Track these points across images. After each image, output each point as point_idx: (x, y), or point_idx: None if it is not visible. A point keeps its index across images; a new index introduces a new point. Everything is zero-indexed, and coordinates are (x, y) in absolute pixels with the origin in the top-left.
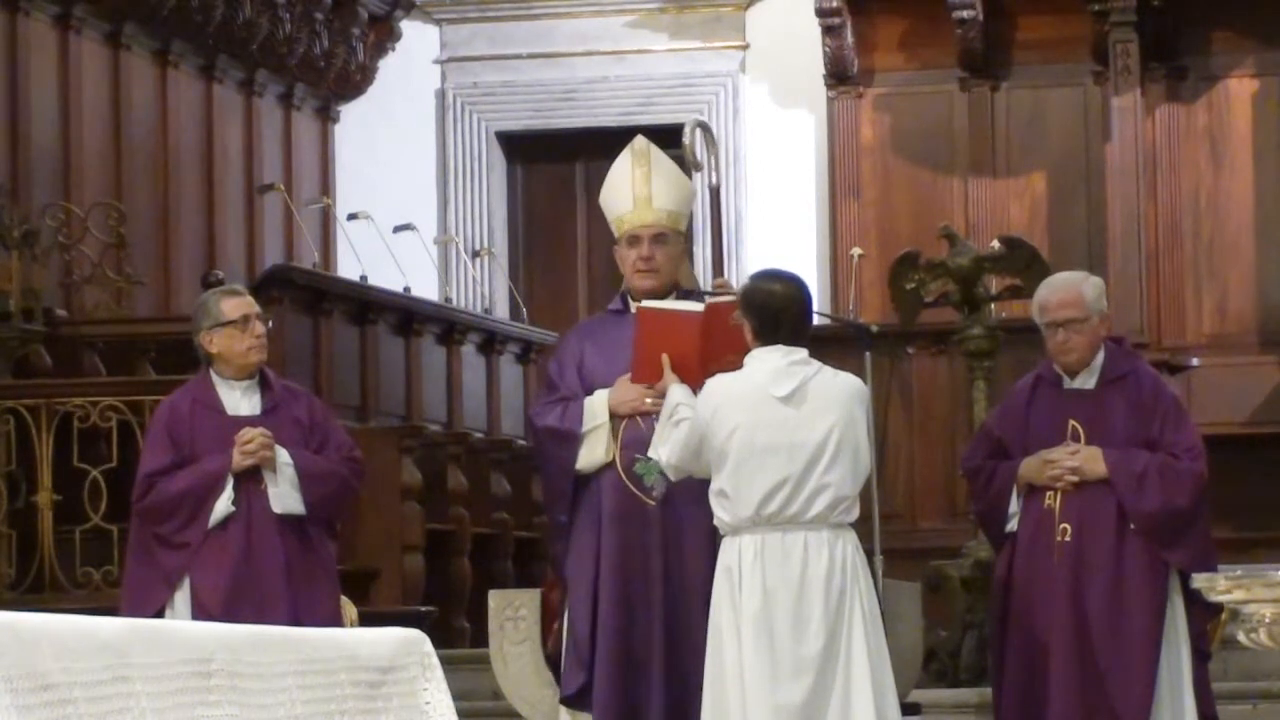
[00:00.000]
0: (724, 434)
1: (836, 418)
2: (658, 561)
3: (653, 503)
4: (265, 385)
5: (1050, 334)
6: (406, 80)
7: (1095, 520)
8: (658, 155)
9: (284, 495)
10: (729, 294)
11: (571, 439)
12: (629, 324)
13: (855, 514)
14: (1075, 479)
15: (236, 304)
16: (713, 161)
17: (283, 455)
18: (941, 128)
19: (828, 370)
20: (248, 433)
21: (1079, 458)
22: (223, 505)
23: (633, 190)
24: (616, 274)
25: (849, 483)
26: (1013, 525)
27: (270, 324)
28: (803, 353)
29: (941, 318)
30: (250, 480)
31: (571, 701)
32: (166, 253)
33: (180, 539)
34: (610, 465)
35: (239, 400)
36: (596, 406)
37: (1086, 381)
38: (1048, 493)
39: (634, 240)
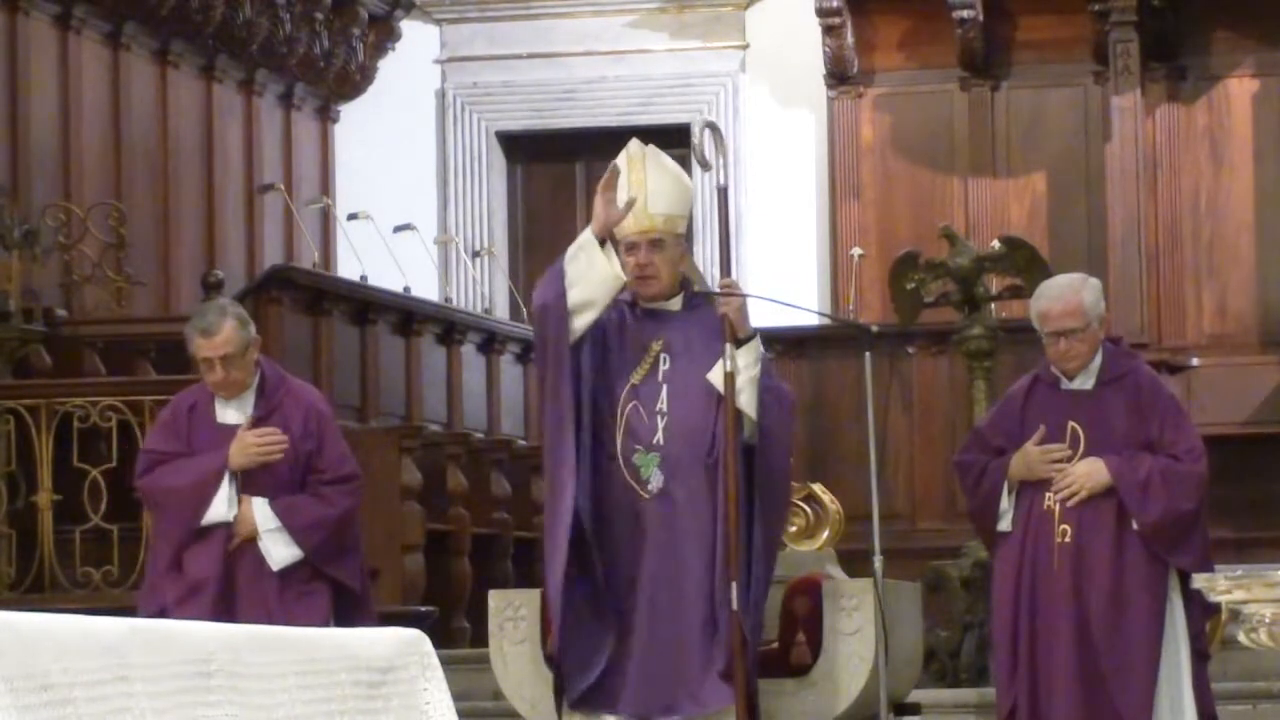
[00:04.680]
0: None
1: None
2: (651, 557)
3: (647, 496)
4: (262, 391)
5: (1051, 342)
6: (406, 80)
7: (1095, 521)
8: (654, 160)
9: (278, 556)
10: (736, 294)
11: (558, 275)
12: (637, 316)
13: None
14: (1085, 495)
15: (199, 345)
16: (721, 163)
17: (267, 519)
18: (941, 128)
19: None
20: (248, 436)
21: (1079, 480)
22: (219, 507)
23: (629, 196)
24: None
25: None
26: (1004, 524)
27: (257, 359)
28: None
29: (941, 318)
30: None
31: (575, 704)
32: (166, 253)
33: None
34: (612, 458)
35: (227, 407)
36: (581, 238)
37: (1085, 382)
38: (1047, 494)
39: (631, 247)
